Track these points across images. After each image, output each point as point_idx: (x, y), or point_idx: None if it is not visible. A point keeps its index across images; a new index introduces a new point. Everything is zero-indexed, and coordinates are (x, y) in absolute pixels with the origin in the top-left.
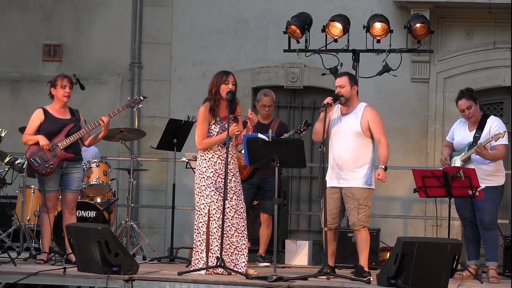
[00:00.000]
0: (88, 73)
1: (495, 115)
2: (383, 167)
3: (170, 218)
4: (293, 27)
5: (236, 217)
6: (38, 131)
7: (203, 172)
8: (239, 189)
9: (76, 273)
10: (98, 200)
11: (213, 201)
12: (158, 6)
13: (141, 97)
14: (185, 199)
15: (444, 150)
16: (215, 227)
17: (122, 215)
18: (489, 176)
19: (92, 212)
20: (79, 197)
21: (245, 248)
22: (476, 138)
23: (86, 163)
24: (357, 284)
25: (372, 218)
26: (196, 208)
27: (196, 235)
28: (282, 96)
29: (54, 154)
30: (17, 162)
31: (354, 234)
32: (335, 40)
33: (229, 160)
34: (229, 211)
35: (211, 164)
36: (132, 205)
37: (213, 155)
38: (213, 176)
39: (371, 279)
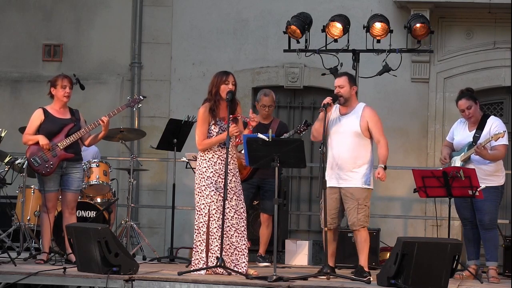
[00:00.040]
0: (88, 73)
1: (495, 115)
2: (383, 166)
3: (170, 218)
4: (293, 27)
5: (236, 217)
6: (38, 131)
7: (203, 172)
8: (239, 189)
9: (76, 273)
10: (98, 200)
11: (213, 201)
12: (158, 6)
13: (140, 97)
14: (185, 199)
15: (444, 149)
16: (215, 227)
17: (122, 215)
18: (489, 176)
19: (92, 212)
20: (79, 197)
21: (245, 248)
22: (476, 138)
23: (86, 163)
24: (357, 284)
25: (372, 218)
26: (196, 208)
27: (196, 235)
28: (282, 96)
29: (54, 154)
30: (17, 162)
31: (353, 234)
32: (335, 40)
33: (229, 160)
34: (229, 211)
35: (211, 164)
36: (132, 205)
37: (213, 155)
38: (213, 176)
39: (371, 279)
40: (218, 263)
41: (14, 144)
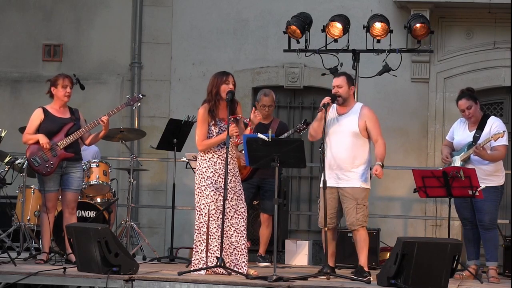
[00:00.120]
0: (88, 73)
1: (495, 115)
2: (380, 163)
3: (170, 218)
4: (293, 27)
5: (236, 217)
6: (38, 130)
7: (203, 172)
8: (239, 189)
9: (76, 273)
10: (98, 200)
11: (213, 201)
12: (158, 6)
13: (140, 95)
14: (185, 199)
15: (444, 149)
16: (215, 227)
17: (122, 215)
18: (489, 176)
19: (92, 212)
20: (79, 197)
21: (244, 248)
22: (476, 138)
23: (86, 163)
24: (357, 284)
25: (372, 218)
26: (196, 208)
27: (196, 235)
28: (282, 96)
29: (54, 154)
30: (17, 162)
31: (352, 234)
32: (335, 40)
33: (229, 160)
34: (229, 211)
35: (211, 164)
36: (132, 205)
37: (213, 155)
38: (213, 176)
39: (371, 279)
40: (218, 263)
41: (14, 144)
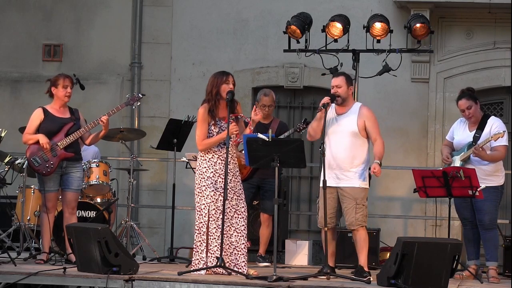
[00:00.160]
0: (88, 73)
1: (495, 115)
2: (378, 162)
3: (170, 218)
4: (293, 27)
5: (236, 217)
6: (38, 130)
7: (203, 173)
8: (240, 189)
9: (76, 273)
10: (98, 200)
11: (213, 201)
12: (158, 6)
13: (139, 95)
14: (185, 199)
15: (444, 149)
16: (214, 227)
17: (122, 215)
18: (489, 176)
19: (92, 212)
20: (79, 197)
21: (244, 248)
22: (476, 138)
23: (86, 163)
24: (357, 284)
25: (372, 218)
26: (197, 208)
27: (196, 235)
28: (282, 96)
29: (54, 154)
30: (17, 162)
31: (352, 234)
32: (335, 40)
33: (229, 160)
34: (229, 211)
35: (211, 164)
36: (132, 205)
37: (213, 155)
38: (213, 176)
39: (371, 279)
40: (218, 263)
41: (14, 144)
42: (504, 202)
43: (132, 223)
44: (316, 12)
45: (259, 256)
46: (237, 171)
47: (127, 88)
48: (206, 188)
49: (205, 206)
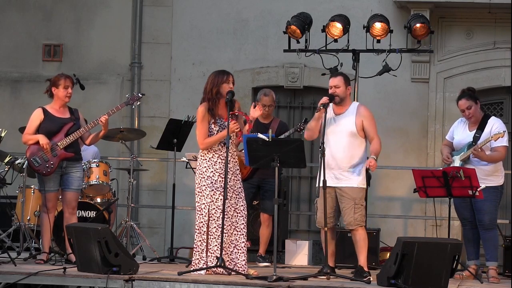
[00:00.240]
0: (88, 73)
1: (495, 115)
2: (374, 157)
3: (170, 218)
4: (293, 27)
5: (235, 216)
6: (38, 130)
7: (203, 172)
8: (239, 187)
9: (76, 273)
10: (98, 200)
11: (213, 201)
12: (158, 6)
13: (139, 94)
14: (185, 199)
15: (444, 149)
16: (214, 227)
17: (122, 215)
18: (489, 176)
19: (92, 212)
20: (79, 197)
21: (244, 247)
22: (476, 138)
23: (86, 163)
24: (357, 284)
25: (372, 218)
26: (197, 208)
27: (196, 235)
28: (282, 96)
29: (54, 154)
30: (17, 162)
31: (351, 234)
32: (335, 40)
33: (229, 159)
34: (229, 210)
35: (211, 163)
36: (132, 205)
37: (213, 154)
38: (213, 176)
39: (371, 279)
40: (218, 263)
41: (14, 144)
42: (504, 202)
43: (132, 223)
44: (316, 12)
45: (259, 256)
46: (237, 169)
47: (127, 88)
48: (206, 187)
49: (205, 206)
